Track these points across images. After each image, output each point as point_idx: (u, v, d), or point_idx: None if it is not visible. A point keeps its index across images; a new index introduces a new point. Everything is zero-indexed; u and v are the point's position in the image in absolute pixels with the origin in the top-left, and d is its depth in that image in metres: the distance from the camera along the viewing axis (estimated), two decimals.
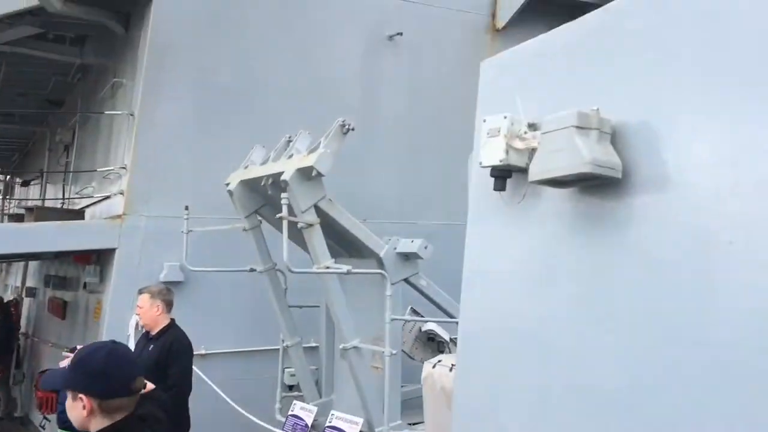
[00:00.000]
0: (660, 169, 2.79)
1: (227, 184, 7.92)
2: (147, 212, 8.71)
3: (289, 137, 7.50)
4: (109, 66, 10.59)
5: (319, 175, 6.66)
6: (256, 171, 7.60)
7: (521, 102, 3.34)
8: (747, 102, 2.50)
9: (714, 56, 2.67)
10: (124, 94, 9.63)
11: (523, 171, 3.23)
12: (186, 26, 8.98)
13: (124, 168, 8.89)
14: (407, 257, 7.25)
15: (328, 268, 6.67)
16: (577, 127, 2.84)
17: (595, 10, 3.16)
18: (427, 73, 10.40)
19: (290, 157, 7.10)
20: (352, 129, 6.85)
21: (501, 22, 10.64)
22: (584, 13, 10.78)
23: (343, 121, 6.83)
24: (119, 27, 9.63)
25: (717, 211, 2.53)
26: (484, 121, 3.34)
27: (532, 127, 3.23)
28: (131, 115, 8.86)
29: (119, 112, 9.36)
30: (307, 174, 6.69)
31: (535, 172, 3.00)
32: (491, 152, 3.28)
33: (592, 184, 2.98)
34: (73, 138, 12.43)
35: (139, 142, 8.66)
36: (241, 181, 7.72)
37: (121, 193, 8.78)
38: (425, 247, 7.16)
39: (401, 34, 10.08)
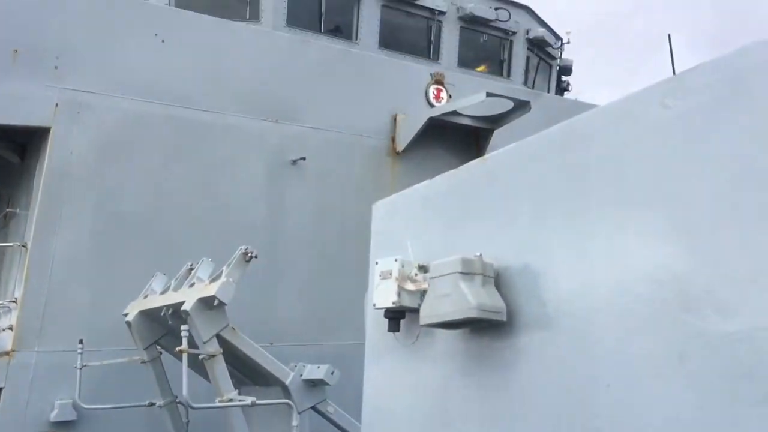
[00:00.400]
0: (541, 310, 2.94)
1: (125, 315, 7.69)
2: (38, 347, 8.26)
3: (191, 265, 7.41)
4: (3, 195, 10.29)
5: (222, 304, 6.58)
6: (156, 300, 7.43)
7: (411, 244, 3.49)
8: (613, 238, 2.70)
9: (578, 203, 2.89)
10: (17, 224, 9.33)
11: (416, 311, 3.32)
12: (85, 155, 8.90)
13: (14, 302, 8.47)
14: (314, 384, 7.14)
15: (231, 400, 6.48)
16: (462, 273, 2.98)
17: (476, 160, 3.39)
18: (331, 196, 10.62)
19: (192, 285, 7.00)
20: (255, 257, 6.86)
21: (400, 146, 11.11)
22: (476, 138, 11.42)
23: (245, 249, 6.83)
24: (15, 157, 9.45)
25: (595, 354, 2.67)
26: (377, 263, 3.45)
27: (423, 269, 3.36)
28: (23, 246, 8.55)
29: (11, 244, 9.02)
30: (209, 303, 6.60)
31: (426, 316, 3.10)
32: (384, 294, 3.37)
33: (480, 326, 3.09)
34: None
35: (32, 274, 8.32)
36: (140, 311, 7.52)
37: (10, 329, 8.33)
38: (332, 373, 7.09)
39: (304, 158, 10.32)
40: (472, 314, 2.90)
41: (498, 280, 3.08)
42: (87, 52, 9.01)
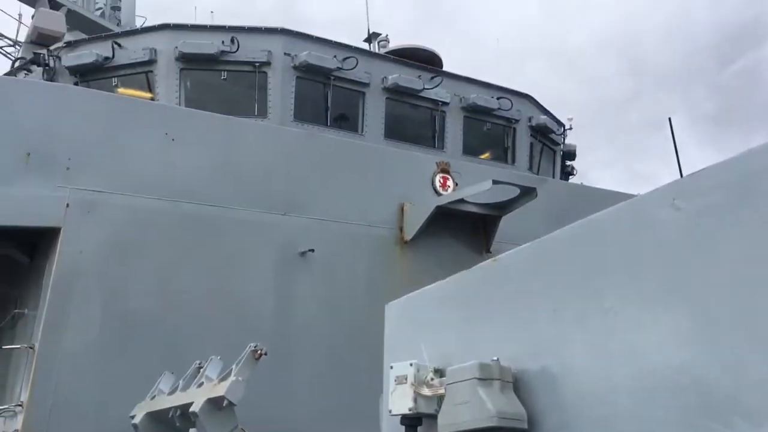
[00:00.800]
0: (562, 416, 2.85)
1: (132, 417, 7.51)
2: None
3: (200, 363, 7.28)
4: (11, 295, 10.27)
5: (231, 404, 6.42)
6: (164, 402, 7.27)
7: (425, 347, 3.42)
8: (633, 339, 2.64)
9: (595, 303, 2.84)
10: (25, 325, 9.26)
11: (433, 417, 3.22)
12: (94, 253, 8.94)
13: (20, 406, 8.31)
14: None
15: None
16: (480, 378, 2.91)
17: (486, 261, 3.37)
18: (340, 287, 10.55)
19: (200, 385, 6.87)
20: (265, 354, 6.74)
21: (408, 235, 11.12)
22: (483, 225, 11.33)
23: (255, 347, 6.72)
24: (24, 257, 9.50)
25: None
26: (391, 367, 3.38)
27: (438, 373, 3.28)
28: (31, 348, 8.46)
29: (18, 346, 8.93)
30: (218, 404, 6.45)
31: (444, 425, 3.01)
32: (400, 400, 3.27)
33: None
34: None
35: (38, 377, 8.20)
36: (148, 413, 7.35)
37: None
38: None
39: (313, 250, 10.32)
40: (492, 422, 2.80)
41: (516, 385, 3.00)
42: (98, 153, 9.18)
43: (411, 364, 3.28)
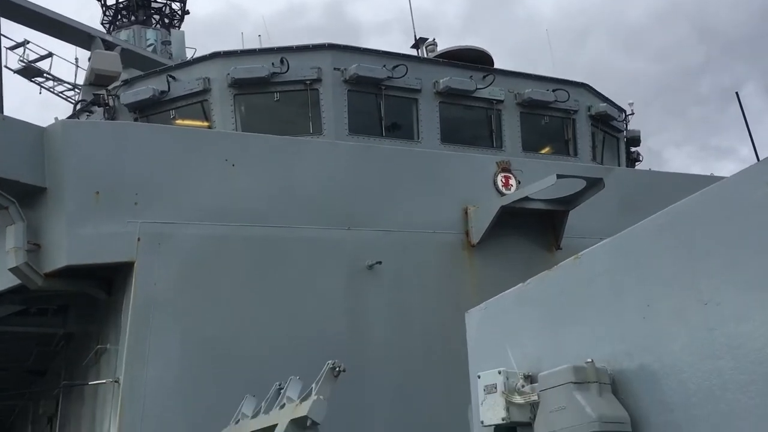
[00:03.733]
0: (669, 416, 2.67)
1: None
2: None
3: (280, 385, 7.29)
4: (93, 332, 10.54)
5: (314, 424, 6.39)
6: (248, 425, 7.29)
7: (511, 353, 3.28)
8: (739, 327, 2.45)
9: (692, 292, 2.66)
10: (108, 360, 9.48)
11: (528, 426, 3.08)
12: (168, 284, 9.08)
13: None
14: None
15: None
16: (575, 382, 2.76)
17: (567, 260, 3.21)
18: (410, 297, 10.44)
19: (282, 407, 6.86)
20: (344, 371, 6.67)
21: (475, 239, 10.93)
22: (551, 221, 11.10)
23: (333, 364, 6.67)
24: (101, 293, 9.73)
25: None
26: (479, 377, 3.26)
27: (529, 379, 3.15)
28: (116, 382, 8.64)
29: (103, 381, 9.14)
30: (301, 425, 6.42)
31: None
32: (492, 410, 3.16)
33: None
34: (57, 409, 12.03)
35: (125, 410, 8.36)
36: None
37: None
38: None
39: (380, 262, 10.25)
40: (594, 428, 2.66)
41: (615, 386, 2.84)
42: (164, 186, 9.35)
43: (500, 372, 3.16)
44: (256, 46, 15.27)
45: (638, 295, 2.83)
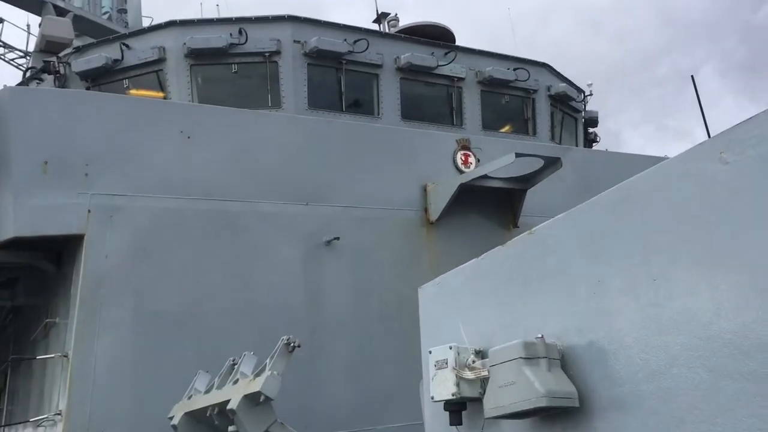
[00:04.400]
0: (617, 390, 2.68)
1: (170, 418, 7.48)
2: None
3: (234, 360, 7.23)
4: (42, 305, 10.28)
5: (268, 399, 6.36)
6: (201, 401, 7.23)
7: (463, 328, 3.27)
8: (687, 303, 2.46)
9: (643, 268, 2.66)
10: (57, 334, 9.27)
11: (478, 401, 3.08)
12: (119, 258, 8.88)
13: (59, 414, 8.32)
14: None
15: None
16: (525, 358, 2.75)
17: (521, 235, 3.20)
18: (368, 273, 10.43)
19: (236, 382, 6.81)
20: (298, 346, 6.65)
21: (433, 216, 10.94)
22: (509, 200, 11.15)
23: (288, 339, 6.63)
24: (51, 266, 9.48)
25: None
26: (430, 352, 3.24)
27: (480, 354, 3.14)
28: (65, 356, 8.45)
29: (52, 355, 8.93)
30: (254, 400, 6.40)
31: (490, 408, 2.86)
32: (442, 386, 3.14)
33: (551, 414, 2.83)
34: (5, 383, 11.76)
35: (75, 384, 8.19)
36: (186, 413, 7.31)
37: None
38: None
39: (338, 238, 10.19)
40: (542, 403, 2.66)
41: (564, 362, 2.84)
42: (115, 157, 9.11)
43: (450, 348, 3.14)
44: (214, 15, 14.93)
45: (590, 270, 2.83)
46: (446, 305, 3.64)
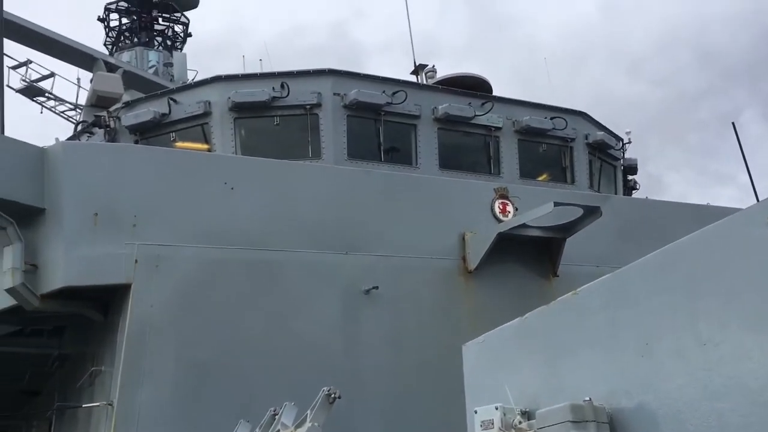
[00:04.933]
0: None
1: None
2: None
3: (274, 410, 7.25)
4: (88, 353, 10.48)
5: None
6: None
7: (509, 388, 3.28)
8: (739, 366, 2.46)
9: (691, 330, 2.67)
10: (102, 382, 9.42)
11: None
12: (164, 307, 9.06)
13: None
14: None
15: None
16: (573, 421, 2.76)
17: (566, 296, 3.23)
18: (407, 322, 10.42)
19: None
20: (339, 397, 6.65)
21: (472, 265, 10.93)
22: (548, 248, 11.11)
23: (328, 391, 6.64)
24: (98, 315, 9.69)
25: None
26: (476, 412, 3.25)
27: (526, 415, 3.14)
28: (110, 405, 8.58)
29: (97, 404, 9.07)
30: None
31: None
32: None
33: None
34: (50, 431, 11.92)
35: None
36: None
37: None
38: None
39: (377, 287, 10.24)
40: None
41: (612, 425, 2.84)
42: (162, 208, 9.36)
43: (497, 408, 3.16)
44: (257, 69, 15.38)
45: (636, 333, 2.84)
46: (491, 364, 3.66)
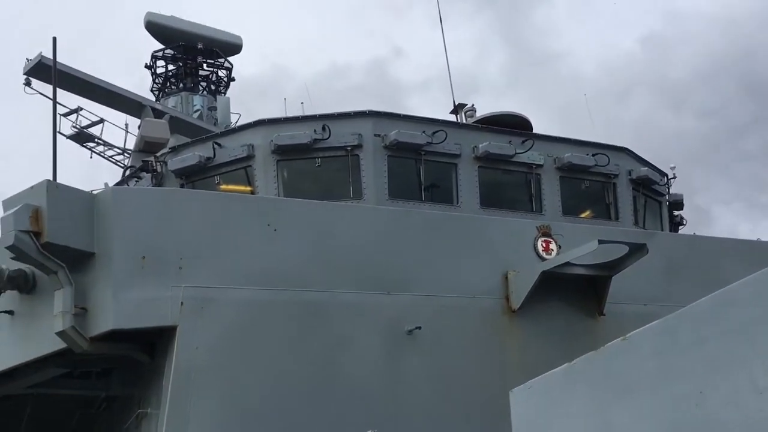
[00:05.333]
0: None
1: None
2: None
3: None
4: (135, 395, 10.59)
5: None
6: None
7: None
8: None
9: (746, 374, 2.60)
10: (149, 424, 9.49)
11: None
12: (209, 349, 9.14)
13: None
14: None
15: None
16: None
17: (615, 341, 3.18)
18: (451, 363, 10.32)
19: None
20: None
21: (515, 304, 10.81)
22: (593, 287, 10.92)
23: None
24: (144, 357, 9.81)
25: None
26: None
27: None
28: None
29: None
30: None
31: None
32: None
33: None
34: None
35: None
36: None
37: None
38: None
39: (420, 327, 10.19)
40: None
41: None
42: (207, 250, 9.50)
43: None
44: (298, 111, 15.69)
45: (690, 381, 2.77)
46: (540, 410, 3.60)
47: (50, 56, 12.66)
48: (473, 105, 14.63)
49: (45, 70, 17.30)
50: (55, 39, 11.52)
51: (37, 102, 19.00)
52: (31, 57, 18.28)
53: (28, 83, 18.63)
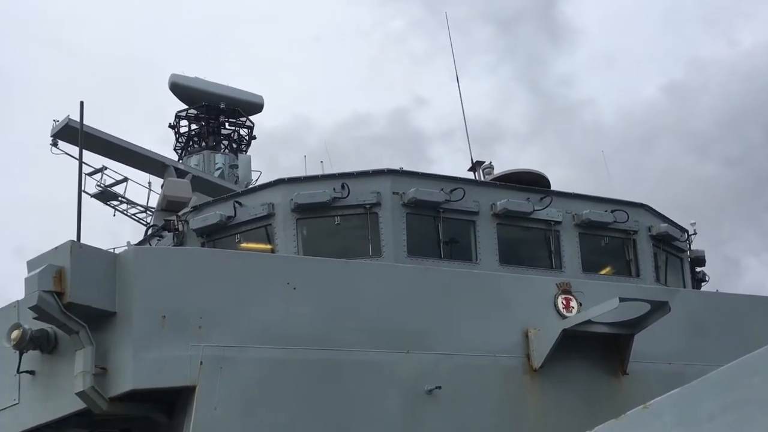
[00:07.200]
0: None
1: None
2: None
3: None
4: None
5: None
6: None
7: None
8: None
9: None
10: None
11: None
12: (228, 409, 9.11)
13: None
14: None
15: None
16: None
17: (635, 409, 3.14)
18: (471, 423, 10.18)
19: None
20: None
21: (536, 363, 10.69)
22: (616, 345, 10.75)
23: None
24: (163, 417, 9.76)
25: None
26: None
27: None
28: None
29: None
30: None
31: None
32: None
33: None
34: None
35: None
36: None
37: None
38: None
39: (440, 387, 10.09)
40: None
41: None
42: (227, 309, 9.54)
43: None
44: (318, 164, 15.93)
45: None
46: None
47: (77, 119, 13.02)
48: (491, 162, 14.75)
49: (71, 133, 17.78)
50: (82, 103, 11.86)
51: (62, 160, 19.47)
52: (58, 118, 18.84)
53: (54, 144, 19.15)
